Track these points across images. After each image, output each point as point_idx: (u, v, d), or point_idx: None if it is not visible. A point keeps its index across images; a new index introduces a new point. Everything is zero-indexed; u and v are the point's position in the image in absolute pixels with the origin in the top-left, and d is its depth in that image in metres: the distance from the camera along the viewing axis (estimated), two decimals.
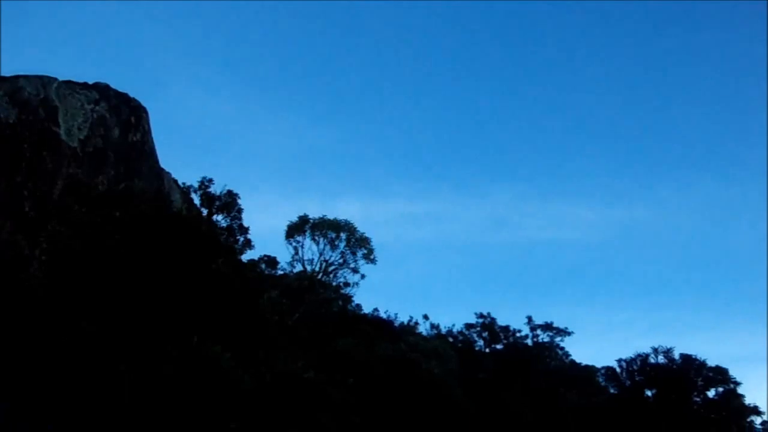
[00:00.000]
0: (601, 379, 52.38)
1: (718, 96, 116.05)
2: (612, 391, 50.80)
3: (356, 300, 50.63)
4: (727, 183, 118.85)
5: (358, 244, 47.74)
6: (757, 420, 45.28)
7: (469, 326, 53.92)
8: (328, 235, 47.72)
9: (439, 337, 50.81)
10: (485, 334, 53.77)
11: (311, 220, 48.13)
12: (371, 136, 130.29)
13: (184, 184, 38.10)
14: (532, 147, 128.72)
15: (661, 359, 51.22)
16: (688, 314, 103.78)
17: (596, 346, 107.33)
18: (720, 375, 49.82)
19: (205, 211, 37.68)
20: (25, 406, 19.97)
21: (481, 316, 54.36)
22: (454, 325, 54.65)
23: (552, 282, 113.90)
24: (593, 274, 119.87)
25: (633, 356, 51.99)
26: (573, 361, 53.03)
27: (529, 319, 54.01)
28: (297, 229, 47.88)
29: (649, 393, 50.72)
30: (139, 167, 32.72)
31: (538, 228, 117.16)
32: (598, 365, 53.31)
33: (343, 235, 47.83)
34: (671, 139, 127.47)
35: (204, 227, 30.80)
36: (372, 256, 48.01)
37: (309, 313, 39.97)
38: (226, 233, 37.62)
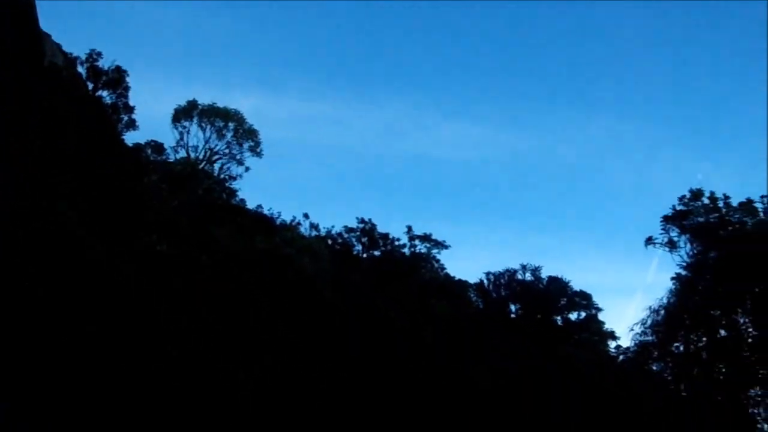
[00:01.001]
0: (472, 295, 52.96)
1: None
2: (479, 305, 51.59)
3: (241, 195, 48.34)
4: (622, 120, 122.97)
5: (246, 135, 46.64)
6: (612, 344, 47.73)
7: (349, 230, 52.11)
8: (216, 124, 46.17)
9: (318, 238, 49.20)
10: (364, 240, 52.29)
11: (200, 106, 46.01)
12: (273, 29, 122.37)
13: (70, 54, 33.95)
14: (435, 61, 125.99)
15: (528, 277, 52.27)
16: (562, 242, 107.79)
17: (471, 262, 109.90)
18: (584, 300, 51.31)
19: (90, 86, 34.46)
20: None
21: (362, 221, 52.70)
22: (333, 226, 53.19)
23: (436, 197, 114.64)
24: (478, 193, 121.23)
25: (502, 271, 52.67)
26: (447, 274, 52.91)
27: (409, 228, 53.09)
28: (185, 113, 45.67)
29: (513, 308, 52.03)
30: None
31: (431, 143, 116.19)
32: (471, 281, 53.94)
33: (231, 125, 46.69)
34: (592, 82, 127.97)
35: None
36: (259, 150, 47.44)
37: (190, 201, 36.82)
38: (110, 110, 34.50)
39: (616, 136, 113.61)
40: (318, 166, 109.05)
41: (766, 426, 34.26)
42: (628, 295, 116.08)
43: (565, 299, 51.56)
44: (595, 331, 50.34)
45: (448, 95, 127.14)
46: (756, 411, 34.71)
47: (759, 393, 34.46)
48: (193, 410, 22.80)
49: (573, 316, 51.66)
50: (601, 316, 51.31)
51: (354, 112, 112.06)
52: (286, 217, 50.40)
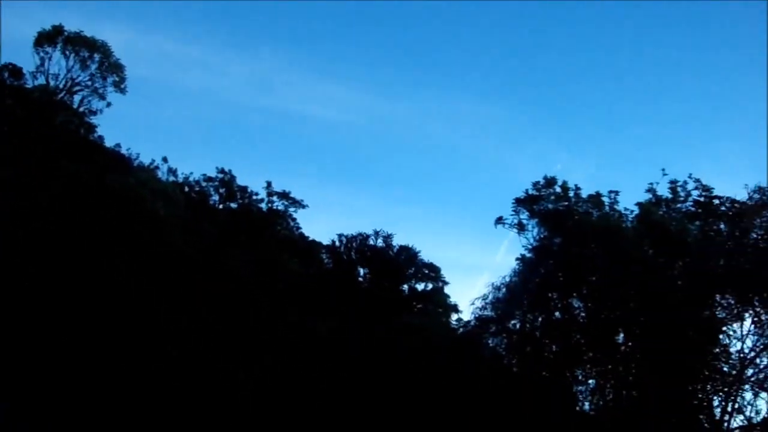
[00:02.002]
0: (324, 256, 52.85)
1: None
2: (330, 265, 51.65)
3: (100, 131, 45.92)
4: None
5: (111, 69, 44.56)
6: (455, 317, 49.38)
7: (207, 179, 50.34)
8: (81, 53, 43.55)
9: (174, 184, 47.17)
10: (222, 190, 50.77)
11: (66, 33, 43.36)
12: None
13: None
14: (315, 19, 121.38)
15: (380, 243, 52.97)
16: (418, 214, 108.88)
17: (327, 224, 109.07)
18: (432, 272, 52.78)
19: None
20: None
21: (221, 171, 51.05)
22: (192, 173, 51.26)
23: (299, 155, 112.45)
24: (340, 156, 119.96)
25: (355, 234, 53.12)
26: (302, 234, 52.64)
27: (269, 184, 52.02)
28: (48, 38, 42.97)
29: (362, 271, 52.53)
30: None
31: (300, 100, 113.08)
32: (325, 242, 53.69)
33: (96, 57, 44.31)
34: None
35: None
36: (123, 86, 45.78)
37: (44, 131, 34.14)
38: None
39: (485, 119, 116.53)
40: (183, 110, 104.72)
41: (587, 403, 36.49)
42: (478, 273, 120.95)
43: (413, 269, 52.74)
44: (439, 303, 51.91)
45: (324, 55, 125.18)
46: (579, 389, 36.88)
47: (583, 373, 36.59)
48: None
49: (420, 286, 53.18)
50: (447, 290, 53.24)
51: (226, 59, 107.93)
52: (145, 159, 48.36)
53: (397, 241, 53.46)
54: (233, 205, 51.28)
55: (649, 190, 37.05)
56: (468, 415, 34.50)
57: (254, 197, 51.84)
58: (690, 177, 35.84)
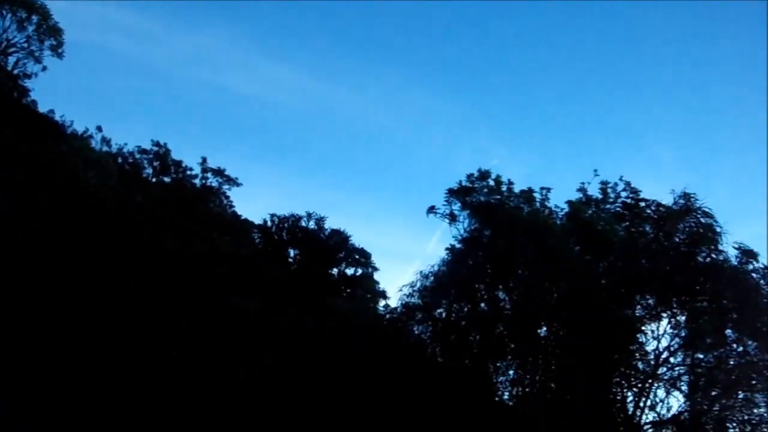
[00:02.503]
0: (255, 235, 52.32)
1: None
2: (260, 245, 51.16)
3: (34, 96, 45.23)
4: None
5: (49, 32, 43.41)
6: (382, 302, 49.57)
7: (142, 151, 49.37)
8: (18, 14, 42.28)
9: (108, 155, 45.94)
10: (156, 163, 49.75)
11: None
12: None
13: None
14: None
15: (312, 225, 52.70)
16: (355, 201, 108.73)
17: (261, 204, 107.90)
18: (363, 257, 52.91)
19: None
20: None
21: (157, 144, 50.28)
22: (126, 144, 49.95)
23: (237, 133, 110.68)
24: (280, 137, 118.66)
25: (287, 215, 52.70)
26: (235, 212, 52.05)
27: (204, 160, 51.41)
28: None
29: (292, 252, 52.18)
30: None
31: (242, 79, 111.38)
32: (257, 221, 53.21)
33: (34, 18, 43.15)
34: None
35: None
36: (60, 50, 44.89)
37: None
38: None
39: (428, 110, 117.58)
40: (121, 80, 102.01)
41: (506, 393, 37.11)
42: (411, 262, 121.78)
43: (344, 253, 52.70)
44: (368, 289, 52.05)
45: (269, 35, 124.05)
46: (499, 380, 37.47)
47: (505, 364, 37.17)
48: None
49: (350, 271, 53.21)
50: (378, 277, 53.45)
51: (169, 32, 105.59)
52: (78, 127, 47.02)
53: (329, 225, 53.50)
54: (167, 179, 50.43)
55: (580, 190, 37.95)
56: (389, 402, 34.60)
57: (188, 172, 51.18)
58: (621, 179, 36.83)
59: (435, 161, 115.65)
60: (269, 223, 52.13)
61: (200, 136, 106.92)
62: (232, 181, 52.72)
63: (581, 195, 37.89)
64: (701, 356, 33.84)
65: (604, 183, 37.48)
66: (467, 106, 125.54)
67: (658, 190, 37.92)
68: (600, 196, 37.68)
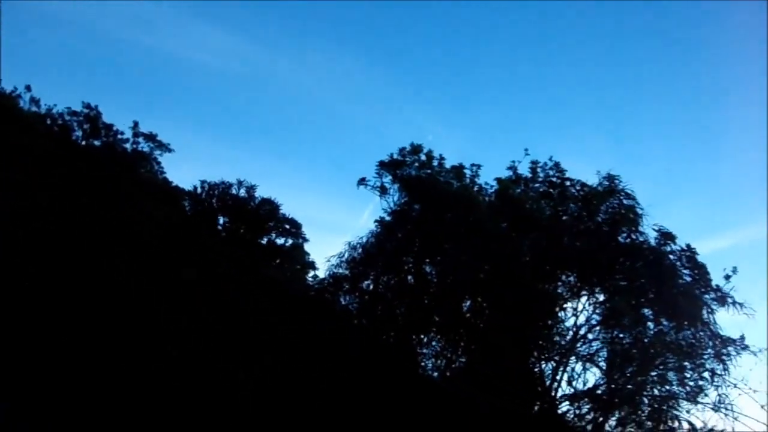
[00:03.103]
0: (186, 202, 51.38)
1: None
2: (190, 212, 50.31)
3: None
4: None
5: None
6: (311, 273, 49.55)
7: (72, 113, 47.73)
8: None
9: (37, 115, 44.32)
10: (86, 126, 48.22)
11: None
12: None
13: None
14: None
15: (242, 193, 52.07)
16: (288, 170, 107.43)
17: (191, 170, 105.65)
18: (293, 228, 52.58)
19: None
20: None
21: (87, 106, 48.62)
22: (55, 105, 48.18)
23: (169, 97, 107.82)
24: (215, 103, 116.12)
25: (217, 182, 51.83)
26: (166, 179, 50.99)
27: (135, 124, 50.05)
28: None
29: (222, 220, 51.57)
30: None
31: (175, 42, 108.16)
32: (188, 188, 52.19)
33: None
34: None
35: None
36: None
37: None
38: None
39: (367, 83, 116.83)
40: (52, 38, 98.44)
41: (430, 364, 37.63)
42: (343, 234, 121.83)
43: (274, 222, 52.35)
44: (298, 260, 51.95)
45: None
46: (423, 351, 37.97)
47: (429, 337, 37.67)
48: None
49: (280, 241, 52.90)
50: (309, 248, 53.20)
51: None
52: (6, 86, 45.23)
53: (260, 194, 52.90)
54: (97, 143, 49.12)
55: (510, 168, 38.47)
56: (314, 372, 34.74)
57: (119, 136, 49.87)
58: (550, 159, 37.43)
59: (372, 135, 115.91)
60: (199, 190, 51.48)
61: (132, 100, 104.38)
62: (164, 147, 51.77)
63: (511, 173, 38.45)
64: (619, 334, 34.97)
65: (534, 162, 38.06)
66: (405, 82, 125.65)
67: (590, 172, 38.67)
68: (530, 175, 38.30)
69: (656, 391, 34.81)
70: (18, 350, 21.33)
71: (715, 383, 33.50)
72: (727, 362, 33.17)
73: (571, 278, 34.49)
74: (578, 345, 34.06)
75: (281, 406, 27.87)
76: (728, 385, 32.37)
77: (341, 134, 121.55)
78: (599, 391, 34.57)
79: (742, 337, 33.11)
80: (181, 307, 26.19)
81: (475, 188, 38.50)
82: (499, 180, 37.68)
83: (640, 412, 34.70)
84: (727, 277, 33.77)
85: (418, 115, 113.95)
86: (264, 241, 51.84)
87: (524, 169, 38.18)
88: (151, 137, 51.78)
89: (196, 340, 25.92)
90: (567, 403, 34.67)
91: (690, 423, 33.69)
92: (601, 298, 33.87)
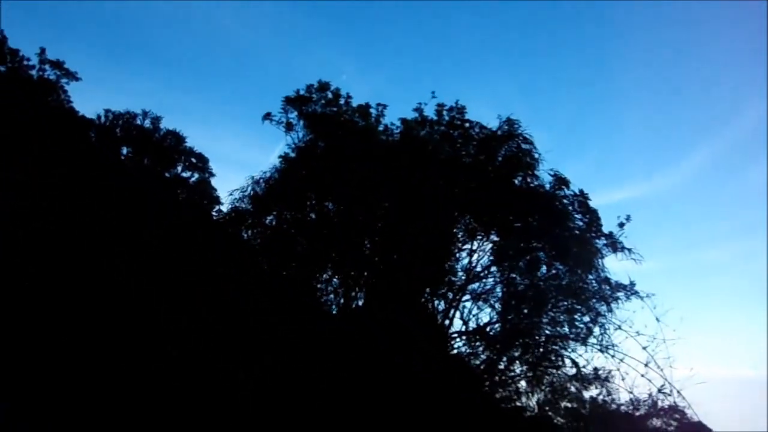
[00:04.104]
0: (92, 133, 49.69)
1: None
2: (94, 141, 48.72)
3: None
4: None
5: None
6: (215, 207, 48.84)
7: None
8: None
9: None
10: None
11: None
12: None
13: None
14: None
15: (147, 124, 50.67)
16: (198, 105, 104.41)
17: (101, 102, 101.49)
18: (200, 162, 51.56)
19: None
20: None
21: None
22: None
23: (77, 25, 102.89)
24: (123, 32, 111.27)
25: (122, 112, 50.34)
26: (72, 108, 49.04)
27: (42, 51, 47.67)
28: None
29: (125, 150, 50.16)
30: None
31: None
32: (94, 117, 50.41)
33: None
34: None
35: None
36: None
37: None
38: None
39: (281, 20, 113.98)
40: None
41: (330, 299, 37.95)
42: (253, 171, 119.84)
43: (181, 156, 51.31)
44: (205, 194, 51.13)
45: None
46: (323, 288, 38.31)
47: (329, 274, 38.00)
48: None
49: (186, 174, 51.83)
50: (220, 185, 52.42)
51: None
52: None
53: (166, 125, 51.64)
54: (1, 69, 46.88)
55: (416, 110, 38.56)
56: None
57: (25, 62, 47.67)
58: (456, 103, 37.65)
59: (287, 73, 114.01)
60: (103, 119, 49.86)
61: (39, 26, 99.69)
62: (71, 75, 49.79)
63: (417, 115, 38.57)
64: (513, 276, 36.02)
65: (440, 105, 38.26)
66: (320, 19, 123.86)
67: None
68: (435, 118, 38.51)
69: (548, 332, 36.18)
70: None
71: (600, 324, 35.02)
72: (613, 305, 34.65)
73: (468, 218, 35.18)
74: (473, 285, 34.99)
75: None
76: (616, 328, 33.90)
77: (255, 72, 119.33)
78: (492, 331, 35.72)
79: (633, 283, 34.51)
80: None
81: (381, 128, 38.50)
82: (403, 120, 37.80)
83: (532, 352, 36.07)
84: (621, 225, 35.14)
85: (333, 54, 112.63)
86: (171, 174, 50.90)
87: (431, 112, 38.39)
88: (57, 65, 49.71)
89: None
90: (460, 340, 35.75)
91: (575, 362, 35.24)
92: (495, 239, 34.74)
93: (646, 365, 32.56)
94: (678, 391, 33.01)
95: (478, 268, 35.04)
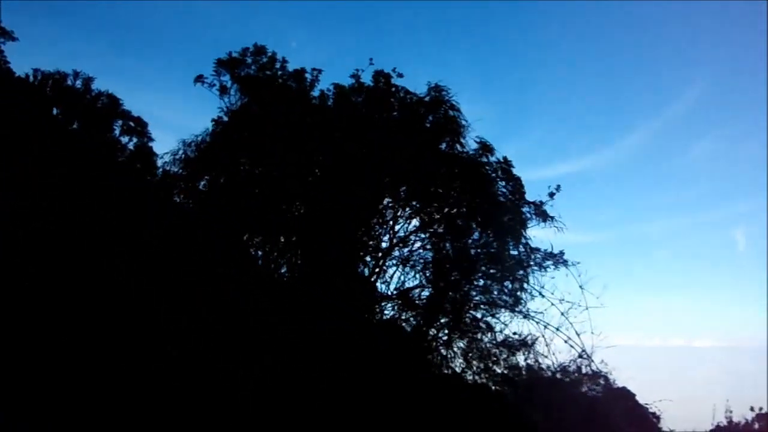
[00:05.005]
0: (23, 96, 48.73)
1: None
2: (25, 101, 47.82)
3: None
4: None
5: None
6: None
7: None
8: None
9: None
10: None
11: None
12: None
13: None
14: None
15: (78, 84, 49.92)
16: (141, 68, 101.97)
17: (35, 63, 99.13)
18: (139, 126, 50.77)
19: None
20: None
21: None
22: None
23: None
24: None
25: (53, 71, 49.17)
26: (10, 69, 47.94)
27: None
28: None
29: (56, 111, 49.37)
30: None
31: None
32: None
33: None
34: None
35: None
36: None
37: None
38: None
39: None
40: None
41: (260, 259, 38.14)
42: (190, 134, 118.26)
43: (119, 120, 50.48)
44: (145, 160, 50.30)
45: None
46: (256, 253, 38.55)
47: (261, 239, 38.19)
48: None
49: (125, 139, 50.97)
50: (156, 148, 51.44)
51: None
52: None
53: (100, 87, 50.65)
54: None
55: (353, 76, 38.64)
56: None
57: None
58: (393, 70, 37.69)
59: (234, 38, 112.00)
60: (32, 79, 48.98)
61: None
62: (7, 35, 48.92)
63: (354, 81, 38.70)
64: (442, 243, 36.60)
65: (377, 72, 38.38)
66: None
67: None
68: (372, 84, 38.67)
69: (480, 299, 36.90)
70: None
71: (525, 290, 35.83)
72: (537, 273, 35.44)
73: (395, 183, 35.63)
74: (398, 250, 35.49)
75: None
76: (537, 294, 34.73)
77: (203, 37, 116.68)
78: (421, 297, 36.35)
79: (562, 252, 35.29)
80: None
81: (317, 93, 38.59)
82: (336, 85, 37.94)
83: (461, 317, 36.78)
84: (551, 195, 35.80)
85: (283, 21, 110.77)
86: (109, 138, 50.15)
87: (368, 79, 38.51)
88: None
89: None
90: (390, 306, 36.32)
91: (500, 328, 36.03)
92: (419, 203, 35.25)
93: (557, 330, 33.41)
94: (588, 356, 33.87)
95: (402, 234, 35.46)
